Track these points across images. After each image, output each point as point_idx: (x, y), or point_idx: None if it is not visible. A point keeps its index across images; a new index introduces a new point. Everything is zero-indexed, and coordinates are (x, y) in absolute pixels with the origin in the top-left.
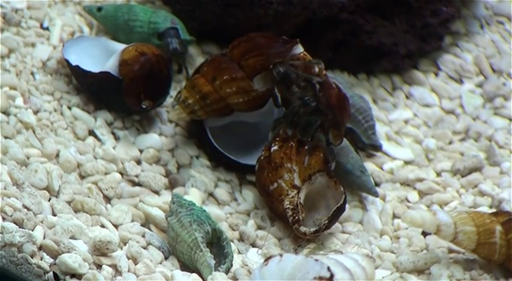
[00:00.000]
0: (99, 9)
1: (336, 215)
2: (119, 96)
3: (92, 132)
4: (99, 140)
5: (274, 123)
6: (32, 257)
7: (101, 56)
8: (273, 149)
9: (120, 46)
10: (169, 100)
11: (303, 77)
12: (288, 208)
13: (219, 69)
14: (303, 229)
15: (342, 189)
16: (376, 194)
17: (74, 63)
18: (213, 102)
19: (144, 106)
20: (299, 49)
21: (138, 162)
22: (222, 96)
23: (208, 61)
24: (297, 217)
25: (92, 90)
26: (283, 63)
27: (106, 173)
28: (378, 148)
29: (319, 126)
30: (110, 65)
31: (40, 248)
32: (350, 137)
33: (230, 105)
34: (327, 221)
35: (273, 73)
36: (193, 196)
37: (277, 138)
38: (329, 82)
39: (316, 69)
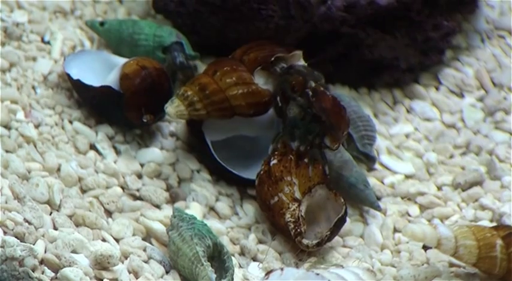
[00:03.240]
0: (102, 24)
1: (337, 227)
2: (119, 110)
3: (93, 147)
4: (100, 154)
5: (275, 136)
6: (33, 271)
7: (102, 70)
8: (272, 163)
9: (121, 60)
10: None
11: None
12: (290, 221)
13: (219, 64)
14: (305, 241)
15: (342, 200)
16: (378, 208)
17: (75, 77)
18: (212, 93)
19: (145, 120)
20: (300, 62)
21: (139, 176)
22: (222, 87)
23: (210, 63)
24: (299, 230)
25: (93, 104)
26: (284, 59)
27: (107, 187)
28: (370, 159)
29: (317, 135)
30: (110, 79)
31: (41, 262)
32: (346, 142)
33: (229, 99)
34: (328, 233)
35: (274, 68)
36: (194, 210)
37: (276, 152)
38: (323, 90)
39: (313, 85)
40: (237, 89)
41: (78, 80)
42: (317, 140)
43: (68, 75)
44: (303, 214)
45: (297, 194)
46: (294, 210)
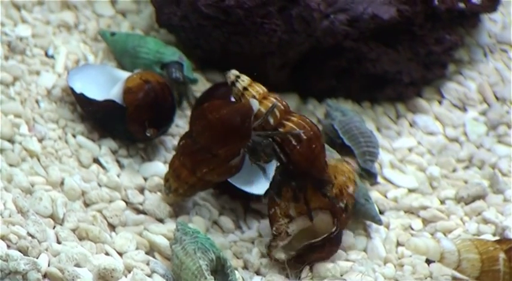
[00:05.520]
0: (113, 34)
1: (313, 249)
2: (123, 124)
3: (96, 161)
4: (103, 168)
5: (267, 190)
6: None
7: (105, 84)
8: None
9: (125, 74)
10: (174, 128)
11: (266, 144)
12: (273, 233)
13: (195, 162)
14: (277, 255)
15: (334, 229)
16: (380, 222)
17: (78, 91)
18: (201, 186)
19: (148, 134)
20: (255, 106)
21: (143, 190)
22: (208, 180)
23: (181, 146)
24: (274, 243)
25: (96, 118)
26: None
27: (110, 201)
28: (372, 175)
29: (300, 190)
30: (114, 93)
31: (45, 276)
32: (344, 155)
33: (218, 181)
34: (293, 253)
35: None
36: (198, 223)
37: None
38: (286, 138)
39: (272, 120)
40: (221, 178)
41: (82, 94)
42: (301, 194)
43: (72, 89)
44: (290, 231)
45: (292, 212)
46: (281, 224)
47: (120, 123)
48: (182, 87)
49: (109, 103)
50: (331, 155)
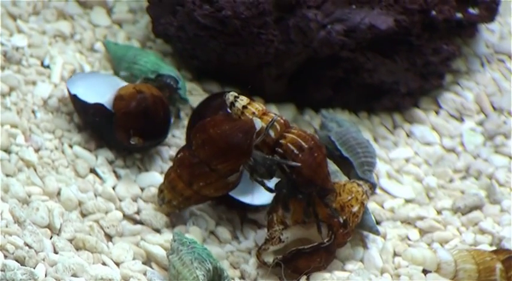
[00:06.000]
0: (116, 44)
1: (298, 256)
2: (111, 130)
3: (93, 171)
4: (100, 178)
5: (270, 208)
6: None
7: (106, 92)
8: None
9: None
10: (171, 139)
11: (270, 162)
12: (266, 238)
13: (193, 175)
14: (264, 258)
15: (326, 240)
16: (377, 233)
17: (73, 92)
18: (196, 200)
19: (132, 142)
20: (258, 125)
21: (139, 200)
22: (203, 195)
23: (179, 159)
24: (264, 247)
25: (87, 121)
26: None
27: (107, 212)
28: (371, 186)
29: (309, 204)
30: (106, 98)
31: None
32: (343, 167)
33: (213, 196)
34: (280, 257)
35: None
36: (194, 234)
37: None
38: (288, 148)
39: (273, 134)
40: (217, 193)
41: (75, 95)
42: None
43: (68, 89)
44: (283, 238)
45: (287, 220)
46: (276, 230)
47: (109, 129)
48: (172, 92)
49: (98, 107)
50: (330, 167)
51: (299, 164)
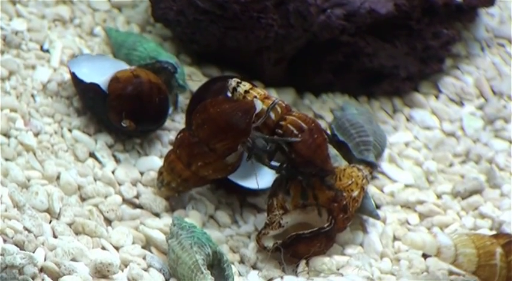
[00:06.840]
0: (117, 30)
1: (298, 241)
2: (104, 111)
3: (92, 155)
4: (99, 162)
5: (271, 191)
6: (33, 279)
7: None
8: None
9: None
10: (171, 123)
11: (270, 142)
12: (266, 222)
13: (191, 155)
14: (264, 242)
15: (326, 225)
16: (377, 217)
17: (79, 75)
18: (195, 182)
19: (124, 125)
20: (259, 106)
21: (139, 184)
22: (202, 176)
23: (179, 139)
24: (264, 231)
25: (82, 98)
26: (248, 136)
27: (106, 196)
28: (370, 165)
29: (308, 185)
30: (103, 79)
31: (41, 270)
32: (342, 152)
33: (212, 178)
34: (279, 242)
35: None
36: (194, 218)
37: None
38: (288, 128)
39: (273, 116)
40: (215, 175)
41: (73, 73)
42: (310, 191)
43: (68, 68)
44: (283, 223)
45: (287, 204)
46: (275, 215)
47: (103, 109)
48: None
49: (93, 86)
50: (330, 151)
51: (298, 139)
